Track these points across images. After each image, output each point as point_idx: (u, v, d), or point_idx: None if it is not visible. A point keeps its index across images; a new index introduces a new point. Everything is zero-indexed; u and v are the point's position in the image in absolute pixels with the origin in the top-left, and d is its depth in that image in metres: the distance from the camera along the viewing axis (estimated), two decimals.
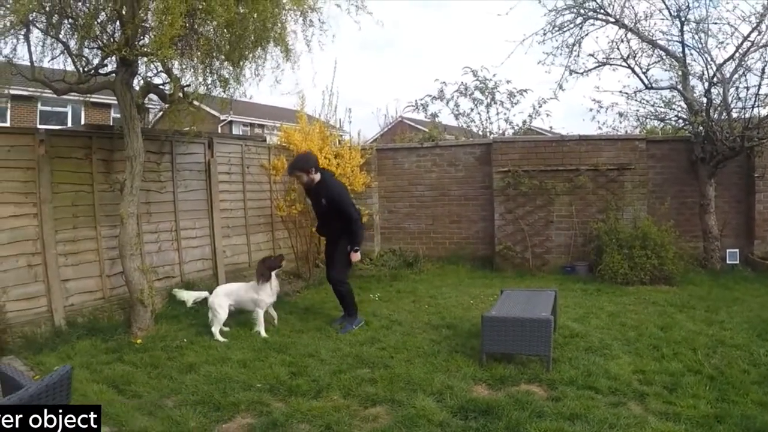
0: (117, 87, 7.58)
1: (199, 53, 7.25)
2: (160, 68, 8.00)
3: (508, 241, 11.94)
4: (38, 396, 2.61)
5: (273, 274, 7.97)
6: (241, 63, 7.78)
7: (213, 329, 7.43)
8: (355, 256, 8.11)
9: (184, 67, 7.78)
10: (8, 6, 6.63)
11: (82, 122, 27.04)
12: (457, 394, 5.24)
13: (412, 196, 13.31)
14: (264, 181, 11.68)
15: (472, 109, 17.18)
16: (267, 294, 7.85)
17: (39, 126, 22.91)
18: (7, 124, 23.99)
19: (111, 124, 23.82)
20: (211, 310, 7.60)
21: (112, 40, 7.43)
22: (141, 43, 7.46)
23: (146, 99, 8.56)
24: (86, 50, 7.97)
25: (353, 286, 9.97)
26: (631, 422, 4.60)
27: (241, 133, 31.39)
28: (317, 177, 7.97)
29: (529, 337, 5.88)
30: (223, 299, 7.67)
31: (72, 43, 7.71)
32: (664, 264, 10.13)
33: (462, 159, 12.86)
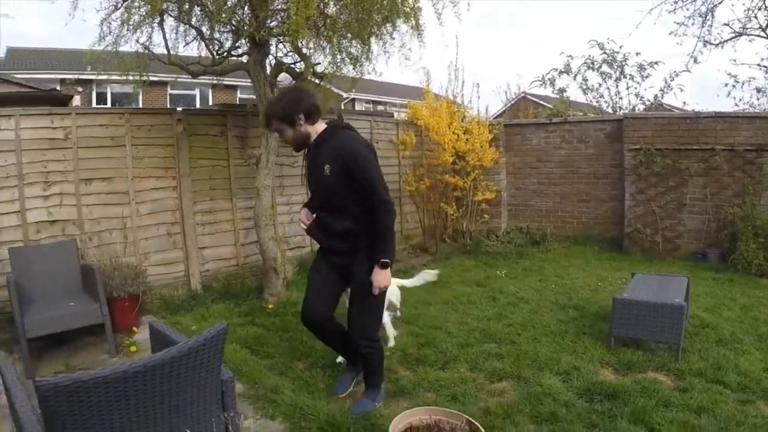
0: (251, 68, 7.93)
1: (330, 33, 7.45)
2: (290, 48, 8.28)
3: (638, 223, 11.54)
4: (196, 349, 2.82)
5: None
6: (370, 40, 7.91)
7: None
8: (384, 277, 4.52)
9: (313, 46, 8.03)
10: None
11: (210, 104, 28.04)
12: (583, 376, 5.23)
13: (540, 173, 13.08)
14: (392, 156, 11.90)
15: (600, 84, 16.80)
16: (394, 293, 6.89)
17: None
18: (134, 107, 25.29)
19: (238, 103, 24.60)
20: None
21: (242, 23, 7.79)
22: (272, 24, 7.79)
23: (278, 78, 8.84)
24: (218, 34, 8.39)
25: (479, 263, 10.07)
26: (759, 422, 4.44)
27: (363, 110, 31.73)
28: (313, 129, 4.62)
29: (660, 324, 5.76)
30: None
31: (204, 29, 8.13)
32: None
33: (591, 135, 12.49)
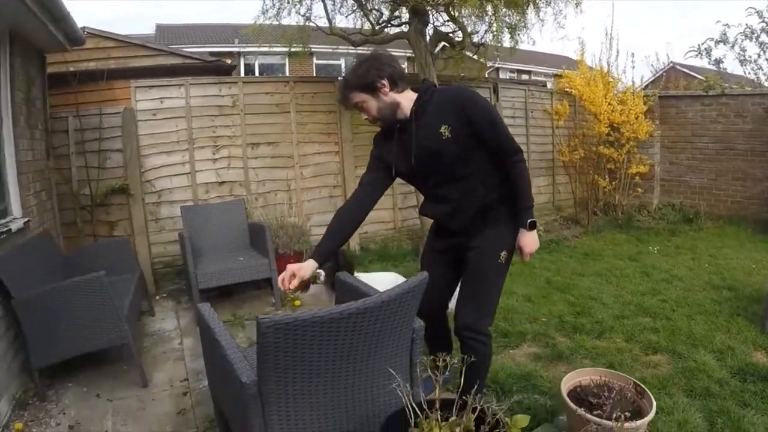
0: (411, 36, 8.15)
1: (491, 2, 7.55)
2: (446, 18, 8.43)
3: None
4: (402, 296, 3.04)
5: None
6: (527, 9, 7.97)
7: None
8: (531, 240, 3.79)
9: (470, 16, 8.16)
10: None
11: None
12: (737, 356, 5.18)
13: (695, 148, 12.61)
14: (546, 125, 11.94)
15: (759, 55, 16.06)
16: None
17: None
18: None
19: None
20: None
21: None
22: None
23: (436, 47, 9.02)
24: (378, 4, 8.66)
25: (631, 238, 9.95)
26: None
27: (516, 79, 31.41)
28: (403, 97, 3.69)
29: None
30: None
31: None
32: None
33: (749, 110, 11.87)
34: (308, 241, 8.03)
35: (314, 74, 26.62)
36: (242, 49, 25.66)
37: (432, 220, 4.25)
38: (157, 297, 7.74)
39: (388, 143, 3.86)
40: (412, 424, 2.63)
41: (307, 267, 3.58)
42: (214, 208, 7.92)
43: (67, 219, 7.74)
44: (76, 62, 8.27)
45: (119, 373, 5.43)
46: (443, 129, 3.61)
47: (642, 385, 3.67)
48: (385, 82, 3.61)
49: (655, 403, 3.50)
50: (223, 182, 8.44)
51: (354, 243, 9.03)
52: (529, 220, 3.72)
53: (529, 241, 3.77)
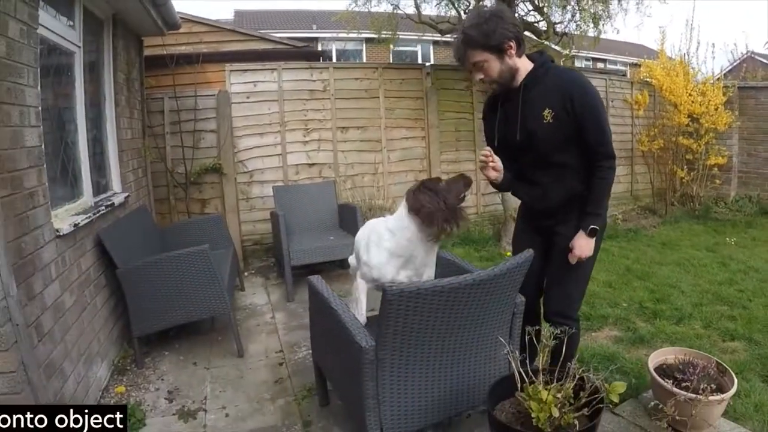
0: None
1: None
2: (531, 8, 8.56)
3: None
4: (512, 270, 3.27)
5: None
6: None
7: None
8: (586, 245, 3.68)
9: (552, 6, 8.26)
10: None
11: (431, 61, 28.53)
12: None
13: None
14: (626, 115, 11.92)
15: None
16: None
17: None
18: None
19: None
20: None
21: None
22: None
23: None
24: None
25: (708, 228, 10.03)
26: None
27: (596, 68, 31.02)
28: (522, 64, 3.58)
29: None
30: None
31: None
32: None
33: None
34: None
35: (391, 61, 26.81)
36: (320, 35, 25.96)
37: (519, 203, 4.21)
38: (246, 273, 8.08)
39: (493, 117, 3.86)
40: (519, 389, 2.88)
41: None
42: (305, 188, 8.24)
43: (160, 196, 8.17)
44: (171, 46, 8.58)
45: (214, 343, 5.76)
46: (546, 112, 3.52)
47: (724, 364, 3.84)
48: (513, 44, 3.45)
49: (736, 380, 3.67)
50: (312, 164, 8.76)
51: None
52: (591, 226, 3.62)
53: (583, 244, 3.67)
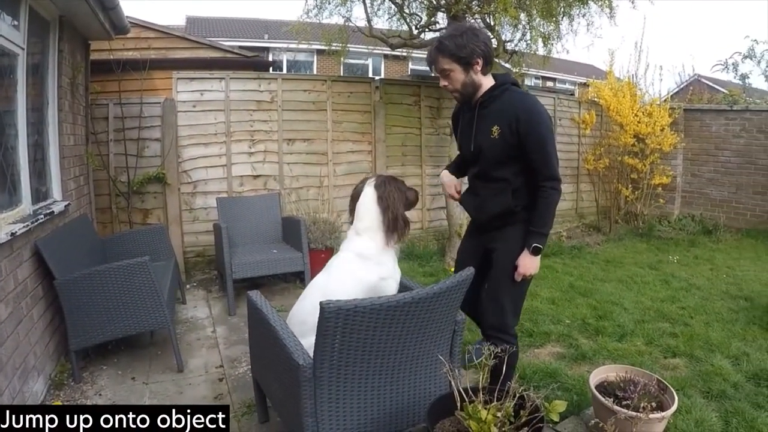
0: None
1: (526, 12, 7.74)
2: (482, 25, 8.63)
3: None
4: (452, 288, 3.24)
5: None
6: (560, 19, 8.15)
7: None
8: (531, 263, 3.87)
9: (502, 24, 8.34)
10: None
11: (382, 74, 28.70)
12: (752, 362, 5.35)
13: (717, 161, 12.75)
14: (573, 134, 12.10)
15: None
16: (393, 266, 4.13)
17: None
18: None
19: (409, 74, 25.17)
20: None
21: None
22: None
23: None
24: (417, 8, 8.89)
25: (651, 247, 10.20)
26: None
27: (544, 86, 31.50)
28: (485, 80, 3.86)
29: None
30: None
31: (402, 2, 8.64)
32: None
33: None
34: (338, 237, 8.21)
35: (342, 73, 26.84)
36: (271, 45, 25.90)
37: (465, 220, 4.65)
38: (188, 286, 7.93)
39: (462, 123, 4.16)
40: (459, 407, 2.85)
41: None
42: (249, 200, 8.12)
43: (102, 205, 7.98)
44: (118, 51, 8.47)
45: (153, 357, 5.63)
46: (494, 128, 3.78)
47: (664, 382, 3.89)
48: (480, 60, 3.73)
49: (677, 397, 3.72)
50: (257, 176, 8.64)
51: None
52: (534, 244, 3.80)
53: (528, 263, 3.86)
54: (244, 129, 8.55)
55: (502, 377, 3.10)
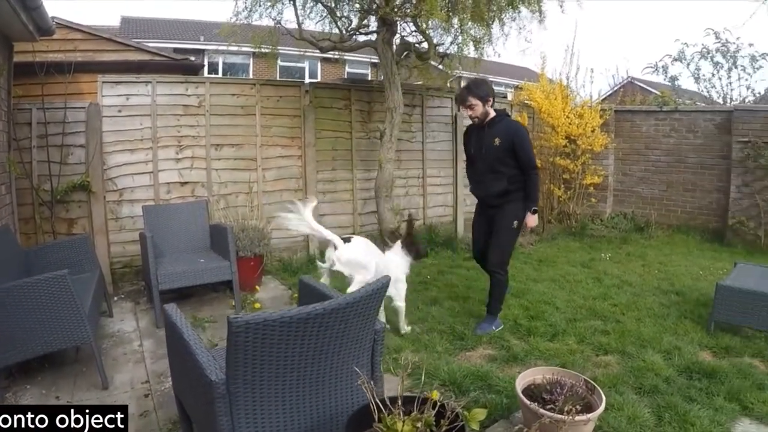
0: (379, 45, 8.34)
1: (462, 15, 7.73)
2: (414, 29, 8.62)
3: (742, 216, 11.35)
4: (365, 298, 3.17)
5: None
6: (491, 23, 8.18)
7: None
8: (533, 220, 6.26)
9: (436, 28, 8.35)
10: None
11: (319, 77, 28.61)
12: (683, 356, 5.44)
13: (647, 161, 13.04)
14: None
15: (713, 74, 16.56)
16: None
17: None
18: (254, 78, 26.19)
19: (345, 77, 25.16)
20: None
21: (372, 3, 8.22)
22: (403, 4, 8.13)
23: (402, 56, 9.19)
24: (347, 12, 8.83)
25: (584, 245, 10.28)
26: None
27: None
28: (492, 112, 6.25)
29: (759, 312, 5.87)
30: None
31: (333, 5, 8.59)
32: None
33: (701, 126, 12.32)
34: (268, 244, 8.10)
35: (278, 76, 26.61)
36: (207, 47, 25.56)
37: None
38: (116, 298, 7.67)
39: (470, 138, 6.52)
40: (376, 419, 2.77)
41: None
42: (175, 208, 7.87)
43: (25, 215, 7.65)
44: (42, 53, 8.11)
45: (78, 375, 5.41)
46: (496, 140, 6.14)
47: (592, 382, 3.86)
48: (491, 100, 6.21)
49: (604, 398, 3.69)
50: (185, 183, 8.41)
51: (313, 247, 9.12)
52: (533, 208, 6.21)
53: (531, 219, 6.24)
54: (171, 134, 8.32)
55: (491, 298, 6.36)
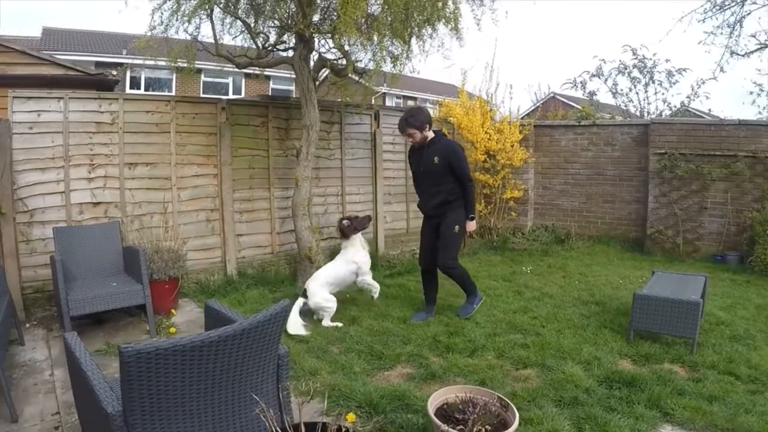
0: (295, 62, 8.24)
1: (373, 32, 7.71)
2: (332, 45, 8.56)
3: (660, 225, 11.77)
4: (264, 323, 3.05)
5: (360, 235, 7.72)
6: (410, 41, 8.17)
7: (324, 323, 7.06)
8: (472, 225, 7.30)
9: (355, 44, 8.31)
10: None
11: (243, 93, 28.48)
12: (603, 365, 5.52)
13: (567, 174, 13.34)
14: None
15: (630, 89, 17.03)
16: (364, 258, 7.61)
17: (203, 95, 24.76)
18: (173, 93, 25.82)
19: (270, 94, 25.01)
20: (318, 308, 7.11)
21: (290, 19, 8.18)
22: (315, 19, 8.08)
23: (320, 73, 9.13)
24: (265, 28, 8.73)
25: (505, 259, 10.34)
26: (767, 410, 4.68)
27: (393, 105, 32.03)
28: (430, 134, 7.22)
29: (677, 319, 6.01)
30: (324, 292, 7.17)
31: (250, 21, 8.47)
32: None
33: (618, 139, 12.72)
34: (184, 266, 7.88)
35: (201, 91, 26.32)
36: (130, 61, 25.05)
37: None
38: (27, 325, 7.30)
39: (414, 157, 7.46)
40: None
41: None
42: (87, 230, 7.56)
43: None
44: None
45: None
46: (435, 159, 7.08)
47: (506, 399, 3.82)
48: (427, 126, 7.20)
49: (518, 414, 3.65)
50: (98, 203, 8.08)
51: (231, 268, 8.91)
52: (471, 215, 7.25)
53: (470, 225, 7.30)
54: (84, 152, 8.00)
55: (465, 281, 7.47)
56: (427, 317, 7.24)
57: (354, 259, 7.51)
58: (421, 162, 7.24)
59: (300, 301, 6.97)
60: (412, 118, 7.15)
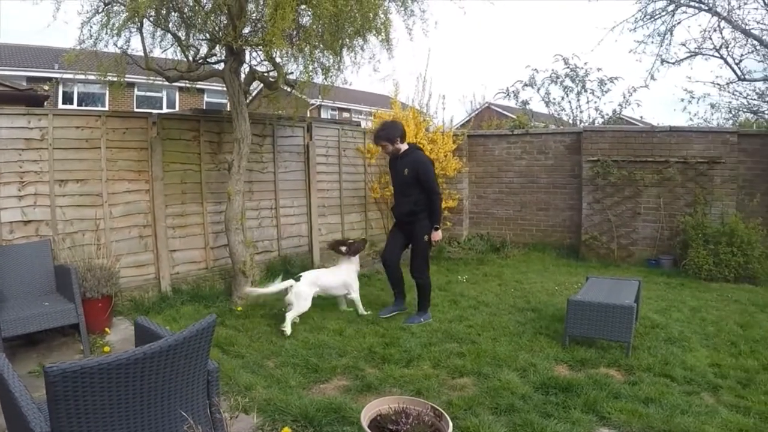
0: (226, 75, 8.17)
1: (303, 43, 7.68)
2: (264, 57, 8.51)
3: (595, 231, 12.00)
4: (190, 339, 3.01)
5: (357, 258, 8.31)
6: (342, 52, 8.18)
7: (288, 315, 7.18)
8: (437, 235, 7.69)
9: (286, 56, 8.26)
10: (126, 3, 7.26)
11: (177, 106, 28.17)
12: (539, 372, 5.56)
13: (501, 183, 13.49)
14: (359, 164, 12.22)
15: (563, 98, 17.23)
16: (355, 277, 8.15)
17: (136, 109, 24.36)
18: (106, 108, 25.33)
19: (204, 108, 24.79)
20: (296, 298, 7.36)
21: (220, 32, 8.07)
22: (246, 32, 8.03)
23: (251, 86, 9.07)
24: (195, 41, 8.63)
25: (441, 269, 10.40)
26: (703, 410, 4.79)
27: (329, 117, 32.06)
28: (403, 147, 7.72)
29: (611, 323, 6.11)
30: (309, 289, 7.56)
31: (181, 34, 8.36)
32: (749, 262, 10.01)
33: (552, 147, 12.92)
34: (117, 284, 7.71)
35: (135, 105, 25.96)
36: (62, 76, 24.50)
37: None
38: None
39: (392, 165, 7.95)
40: None
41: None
42: (18, 249, 7.36)
43: None
44: None
45: None
46: (405, 170, 7.57)
47: (439, 409, 3.84)
48: (399, 139, 7.68)
49: (451, 423, 3.67)
50: (29, 221, 7.84)
51: (165, 284, 8.73)
52: (436, 226, 7.63)
53: (435, 234, 7.68)
54: (13, 170, 7.76)
55: (420, 298, 7.79)
56: (395, 310, 7.94)
57: (347, 280, 8.05)
58: (395, 172, 7.92)
59: (290, 281, 7.48)
60: (383, 132, 7.78)
